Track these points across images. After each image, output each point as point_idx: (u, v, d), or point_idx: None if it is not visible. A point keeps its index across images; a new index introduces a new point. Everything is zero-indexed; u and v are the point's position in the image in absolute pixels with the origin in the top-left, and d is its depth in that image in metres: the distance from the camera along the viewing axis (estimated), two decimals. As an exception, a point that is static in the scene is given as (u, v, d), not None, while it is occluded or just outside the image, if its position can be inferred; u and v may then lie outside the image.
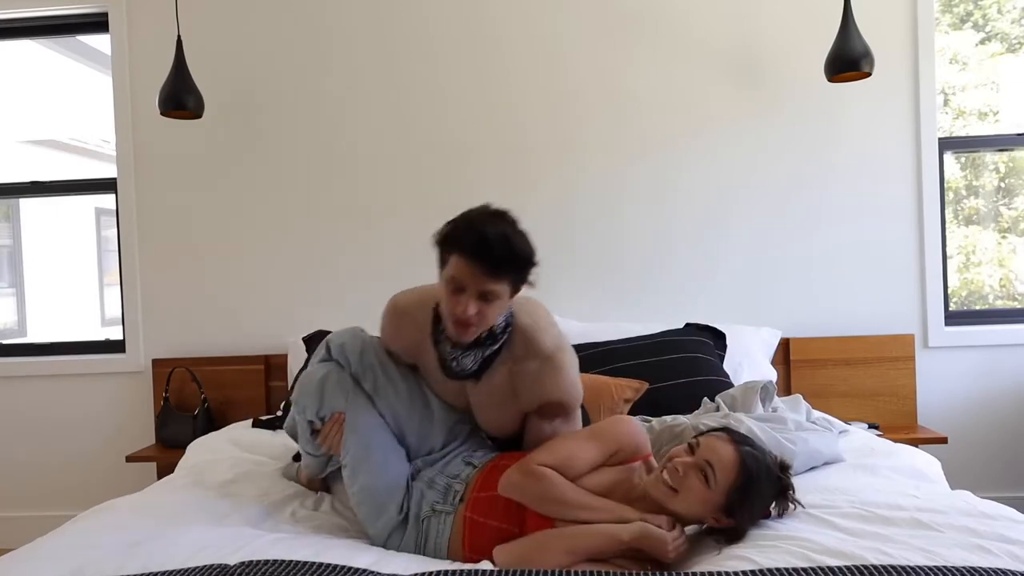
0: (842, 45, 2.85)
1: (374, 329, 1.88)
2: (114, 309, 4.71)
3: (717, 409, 2.23)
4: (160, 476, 3.01)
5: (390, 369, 1.79)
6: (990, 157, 3.40)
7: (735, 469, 1.47)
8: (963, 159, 3.40)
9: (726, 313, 3.17)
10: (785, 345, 3.14)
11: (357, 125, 3.31)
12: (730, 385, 2.51)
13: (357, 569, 1.33)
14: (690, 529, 1.57)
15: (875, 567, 1.23)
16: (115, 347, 3.48)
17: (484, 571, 1.35)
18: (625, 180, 3.24)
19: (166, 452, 3.07)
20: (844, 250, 3.20)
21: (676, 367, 2.59)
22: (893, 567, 1.23)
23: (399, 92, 3.29)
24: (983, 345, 3.20)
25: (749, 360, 2.90)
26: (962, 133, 3.36)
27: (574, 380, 1.77)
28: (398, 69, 3.29)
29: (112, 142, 3.41)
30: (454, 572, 1.35)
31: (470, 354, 1.68)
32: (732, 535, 1.49)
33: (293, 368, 3.05)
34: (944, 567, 1.23)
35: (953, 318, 3.26)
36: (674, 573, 1.38)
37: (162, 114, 3.07)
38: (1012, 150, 3.35)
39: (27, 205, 5.12)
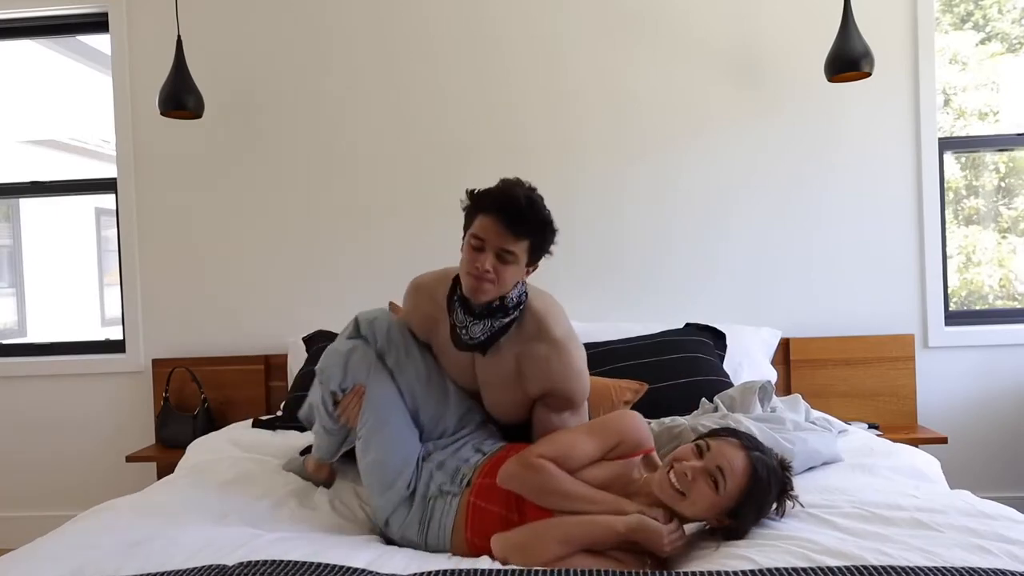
0: (842, 45, 2.85)
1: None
2: (114, 309, 4.71)
3: (716, 410, 2.22)
4: (160, 476, 3.01)
5: (413, 349, 1.86)
6: (990, 157, 3.40)
7: (746, 476, 1.47)
8: (963, 159, 3.40)
9: (726, 313, 3.17)
10: (785, 345, 3.14)
11: (357, 125, 3.31)
12: (730, 385, 2.51)
13: (356, 569, 1.33)
14: (691, 527, 1.57)
15: (875, 567, 1.23)
16: (115, 347, 3.48)
17: (484, 570, 1.35)
18: (625, 180, 3.24)
19: (166, 452, 3.07)
20: (844, 250, 3.20)
21: (676, 367, 2.58)
22: (893, 567, 1.23)
23: (399, 92, 3.30)
24: (983, 345, 3.19)
25: (749, 360, 2.90)
26: (962, 133, 3.36)
27: (581, 370, 1.81)
28: (398, 69, 3.29)
29: (112, 142, 3.41)
30: (454, 571, 1.35)
31: (479, 323, 1.73)
32: (731, 533, 1.50)
33: (293, 368, 3.05)
34: (944, 567, 1.23)
35: (953, 318, 3.26)
36: (674, 572, 1.38)
37: (162, 114, 3.07)
38: (1012, 150, 3.35)
39: (27, 205, 5.12)
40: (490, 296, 1.69)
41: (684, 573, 1.36)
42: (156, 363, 3.31)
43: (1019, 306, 3.35)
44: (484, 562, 1.49)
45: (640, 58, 3.23)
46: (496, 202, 1.66)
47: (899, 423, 3.08)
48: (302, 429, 2.49)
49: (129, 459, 3.07)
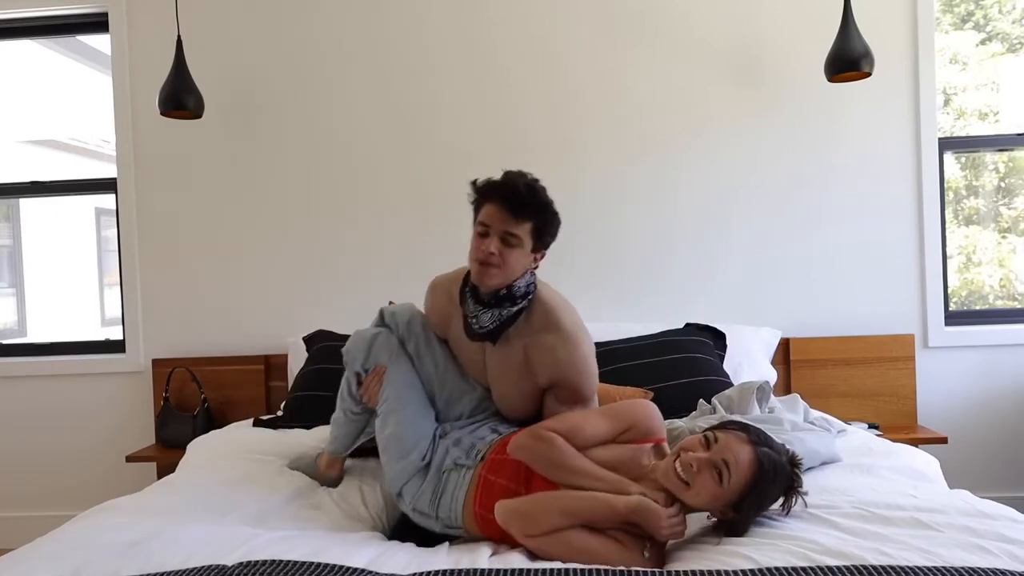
0: (842, 45, 2.85)
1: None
2: (114, 309, 4.71)
3: (713, 411, 2.22)
4: (160, 476, 3.01)
5: (432, 340, 1.98)
6: (990, 157, 3.40)
7: (751, 471, 1.49)
8: (963, 159, 3.40)
9: (726, 313, 3.17)
10: (785, 345, 3.14)
11: (357, 125, 3.31)
12: (730, 385, 2.51)
13: (355, 569, 1.33)
14: (696, 520, 1.59)
15: (875, 567, 1.23)
16: (115, 347, 3.48)
17: (484, 570, 1.35)
18: (625, 180, 3.24)
19: (166, 452, 3.07)
20: (844, 250, 3.20)
21: (676, 367, 2.58)
22: (893, 567, 1.23)
23: (399, 92, 3.29)
24: (983, 345, 3.19)
25: (749, 360, 2.90)
26: (962, 133, 3.36)
27: (589, 362, 1.87)
28: (398, 69, 3.29)
29: (112, 142, 3.41)
30: (454, 571, 1.35)
31: (488, 312, 1.82)
32: (734, 528, 1.51)
33: (293, 368, 3.05)
34: (943, 567, 1.23)
35: (953, 318, 3.26)
36: (674, 572, 1.38)
37: (162, 114, 3.07)
38: (1012, 150, 3.35)
39: (27, 205, 5.12)
40: (496, 281, 1.77)
41: (684, 572, 1.36)
42: (156, 363, 3.31)
43: (1019, 306, 3.35)
44: (484, 562, 1.49)
45: (640, 58, 3.23)
46: (499, 189, 1.76)
47: (899, 423, 3.08)
48: (303, 428, 2.49)
49: (129, 459, 3.07)
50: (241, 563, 1.32)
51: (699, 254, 3.23)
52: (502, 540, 1.64)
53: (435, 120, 3.28)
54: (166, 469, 2.77)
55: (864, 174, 3.19)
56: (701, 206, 3.23)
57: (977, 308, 3.38)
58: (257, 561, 1.33)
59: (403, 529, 1.86)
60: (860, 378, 3.11)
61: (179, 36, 3.09)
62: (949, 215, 3.33)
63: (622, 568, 1.39)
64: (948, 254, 3.27)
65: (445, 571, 1.34)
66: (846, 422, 2.61)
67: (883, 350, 3.11)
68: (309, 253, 3.33)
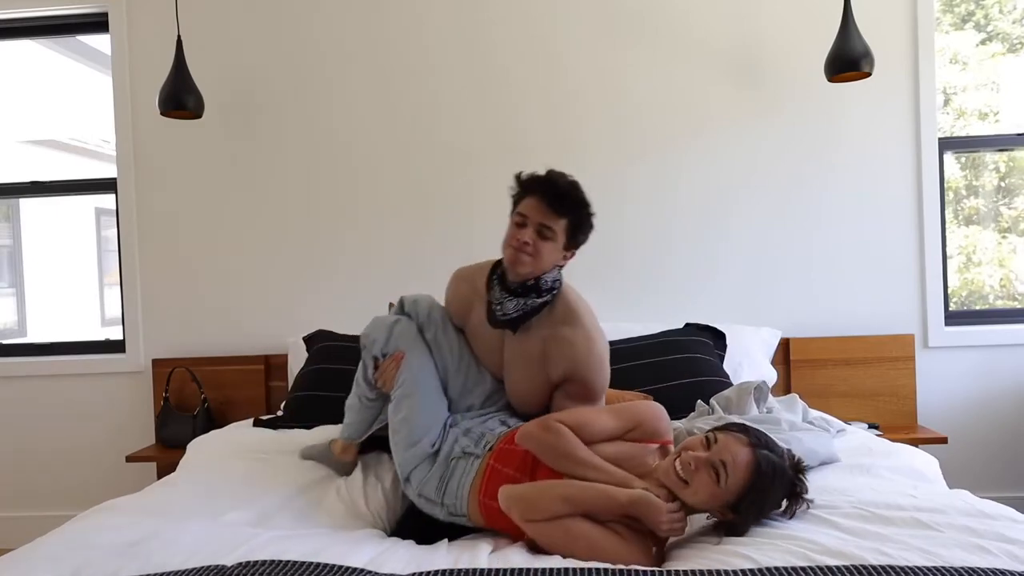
0: (842, 45, 2.85)
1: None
2: (114, 309, 4.71)
3: (711, 412, 2.22)
4: (160, 476, 3.01)
5: (449, 330, 2.02)
6: (990, 157, 3.40)
7: (748, 472, 1.50)
8: (963, 159, 3.40)
9: (726, 313, 3.17)
10: (785, 345, 3.14)
11: (357, 125, 3.31)
12: (730, 385, 2.51)
13: (354, 568, 1.33)
14: (696, 520, 1.60)
15: (875, 567, 1.23)
16: (115, 347, 3.48)
17: (484, 570, 1.35)
18: (625, 180, 3.23)
19: (166, 452, 3.08)
20: (844, 250, 3.20)
21: (676, 367, 2.58)
22: (892, 567, 1.23)
23: (399, 92, 3.29)
24: (983, 345, 3.19)
25: (749, 360, 2.89)
26: (962, 133, 3.36)
27: (603, 361, 1.92)
28: (398, 69, 3.29)
29: (112, 142, 3.41)
30: (454, 571, 1.35)
31: (514, 300, 1.87)
32: (734, 529, 1.52)
33: (293, 368, 3.05)
34: (943, 567, 1.23)
35: (953, 318, 3.26)
36: (675, 571, 1.38)
37: (162, 114, 3.07)
38: (1012, 150, 3.35)
39: (27, 205, 5.12)
40: (527, 269, 1.82)
41: (684, 572, 1.36)
42: (156, 363, 3.31)
43: (1019, 306, 3.35)
44: (483, 560, 1.49)
45: (640, 58, 3.23)
46: (541, 184, 1.84)
47: (899, 423, 3.08)
48: (303, 428, 2.49)
49: (129, 459, 3.07)
50: (241, 563, 1.32)
51: (699, 254, 3.23)
52: (504, 531, 1.66)
53: (435, 120, 3.28)
54: (166, 469, 2.77)
55: (864, 174, 3.19)
56: (701, 206, 3.23)
57: (977, 308, 3.38)
58: (257, 561, 1.33)
59: (404, 526, 1.87)
60: (860, 378, 3.11)
61: (179, 36, 3.09)
62: (949, 215, 3.33)
63: (622, 567, 1.39)
64: (948, 254, 3.27)
65: (445, 571, 1.34)
66: (846, 422, 2.60)
67: (883, 350, 3.11)
68: (309, 253, 3.33)
